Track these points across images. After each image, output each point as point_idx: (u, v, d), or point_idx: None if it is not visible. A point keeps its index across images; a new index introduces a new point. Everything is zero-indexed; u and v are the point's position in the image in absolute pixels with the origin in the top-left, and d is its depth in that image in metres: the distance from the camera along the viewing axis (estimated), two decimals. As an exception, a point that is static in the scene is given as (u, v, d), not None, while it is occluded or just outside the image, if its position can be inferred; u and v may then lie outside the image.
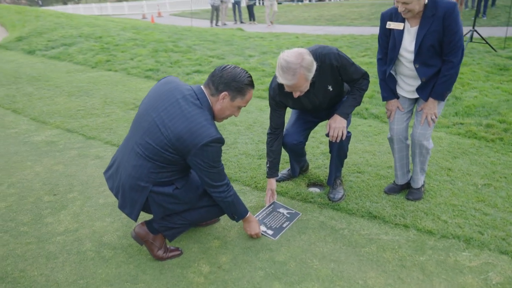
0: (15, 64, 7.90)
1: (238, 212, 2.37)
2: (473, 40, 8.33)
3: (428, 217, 2.69)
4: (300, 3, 25.32)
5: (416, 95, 2.69)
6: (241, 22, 16.80)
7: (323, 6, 19.79)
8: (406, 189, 3.03)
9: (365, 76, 2.68)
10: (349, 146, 3.56)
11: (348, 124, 2.83)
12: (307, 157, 3.59)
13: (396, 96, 2.78)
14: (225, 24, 16.45)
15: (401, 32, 2.57)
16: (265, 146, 3.82)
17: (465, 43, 8.05)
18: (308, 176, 3.30)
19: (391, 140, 2.91)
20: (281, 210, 2.82)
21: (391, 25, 2.60)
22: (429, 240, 2.48)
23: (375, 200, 2.91)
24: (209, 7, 16.73)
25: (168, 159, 2.10)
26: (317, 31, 12.62)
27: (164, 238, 2.37)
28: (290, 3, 25.34)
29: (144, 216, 2.54)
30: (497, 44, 8.46)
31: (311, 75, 2.37)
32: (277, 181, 3.20)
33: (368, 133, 4.17)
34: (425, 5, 2.43)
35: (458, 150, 3.73)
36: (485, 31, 10.22)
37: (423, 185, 2.97)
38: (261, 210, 2.80)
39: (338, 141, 2.72)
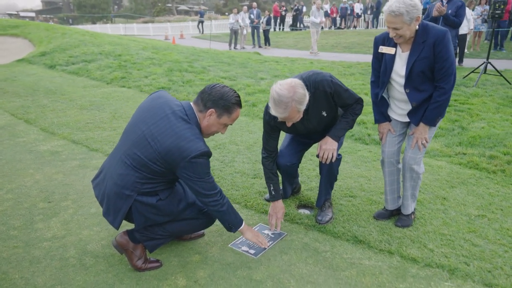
0: (35, 77, 8.21)
1: (234, 222, 2.37)
2: (487, 72, 8.26)
3: (415, 244, 2.64)
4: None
5: (408, 119, 2.69)
6: (259, 47, 17.10)
7: (342, 33, 19.99)
8: (396, 215, 2.98)
9: (359, 101, 2.70)
10: (346, 171, 3.56)
11: (339, 146, 2.84)
12: (301, 178, 3.59)
13: (388, 119, 2.79)
14: (243, 48, 16.77)
15: (392, 57, 2.60)
16: (261, 166, 3.85)
17: (478, 75, 7.99)
18: (299, 198, 3.29)
19: (382, 162, 2.90)
20: (266, 231, 2.81)
21: (383, 49, 2.63)
22: (412, 268, 2.42)
23: (362, 225, 2.87)
24: (229, 31, 17.11)
25: (155, 171, 2.15)
26: (333, 57, 12.73)
27: (144, 248, 2.40)
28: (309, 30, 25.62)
29: (126, 225, 2.58)
30: (512, 77, 8.37)
31: (302, 107, 2.40)
32: (267, 200, 3.20)
33: (367, 159, 4.15)
34: (416, 32, 2.47)
35: (457, 180, 3.67)
36: (502, 64, 10.14)
37: (413, 212, 2.93)
38: None
39: (328, 162, 2.73)
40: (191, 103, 2.26)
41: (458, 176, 3.75)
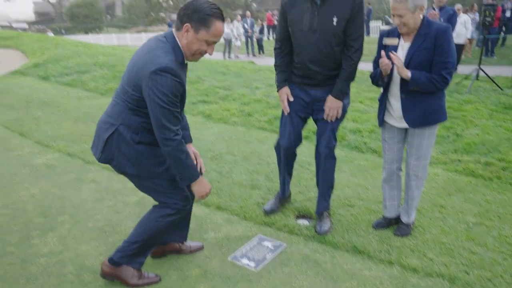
0: (29, 89, 8.16)
1: (187, 172, 2.16)
2: (479, 79, 8.36)
3: (414, 254, 2.64)
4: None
5: (405, 124, 2.68)
6: (253, 55, 17.17)
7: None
8: (395, 225, 2.99)
9: (361, 45, 2.66)
10: (343, 180, 3.56)
11: (346, 106, 2.84)
12: (299, 188, 3.60)
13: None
14: (237, 57, 16.83)
15: (395, 48, 2.62)
16: (259, 177, 3.86)
17: (470, 81, 8.07)
18: (297, 208, 3.29)
19: (383, 168, 2.91)
20: (265, 243, 2.80)
21: (386, 41, 2.66)
22: (412, 277, 2.42)
23: (362, 235, 2.87)
24: (222, 41, 17.17)
25: (134, 98, 2.09)
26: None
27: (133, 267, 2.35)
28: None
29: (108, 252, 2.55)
30: (504, 83, 8.46)
31: None
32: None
33: (364, 167, 4.16)
34: (421, 24, 2.51)
35: (453, 187, 3.69)
36: (493, 70, 10.25)
37: (412, 221, 2.93)
38: (246, 244, 2.78)
39: (333, 120, 2.76)
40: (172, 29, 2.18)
41: (455, 184, 3.77)
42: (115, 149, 2.16)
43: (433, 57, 2.49)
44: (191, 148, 2.47)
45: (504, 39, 14.63)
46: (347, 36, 2.62)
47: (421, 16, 2.51)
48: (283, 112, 2.96)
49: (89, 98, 7.47)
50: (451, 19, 5.94)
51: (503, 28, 14.88)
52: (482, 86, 8.16)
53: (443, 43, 2.46)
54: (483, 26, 8.07)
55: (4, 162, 4.31)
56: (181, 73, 2.05)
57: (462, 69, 10.60)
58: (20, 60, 12.43)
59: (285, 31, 2.80)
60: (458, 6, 10.39)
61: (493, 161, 4.23)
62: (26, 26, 55.55)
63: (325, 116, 2.77)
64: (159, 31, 36.30)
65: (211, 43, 2.08)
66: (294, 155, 3.07)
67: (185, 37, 2.05)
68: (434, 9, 6.12)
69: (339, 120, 2.84)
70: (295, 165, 3.20)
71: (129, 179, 2.30)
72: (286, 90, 2.89)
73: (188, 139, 2.49)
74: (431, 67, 2.51)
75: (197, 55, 2.12)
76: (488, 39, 13.09)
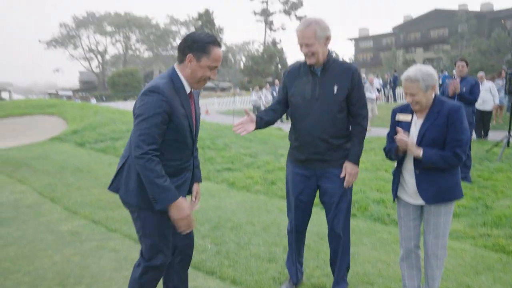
0: (65, 155, 8.62)
1: (159, 193, 2.11)
2: (510, 145, 8.14)
3: None
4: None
5: (420, 201, 2.64)
6: (281, 122, 17.56)
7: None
8: (416, 306, 2.83)
9: (367, 112, 2.82)
10: (363, 254, 3.50)
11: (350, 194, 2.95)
12: (316, 262, 3.51)
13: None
14: (265, 123, 17.25)
15: (408, 124, 2.67)
16: (277, 249, 3.83)
17: (501, 148, 7.88)
18: (314, 284, 3.19)
19: (400, 246, 2.84)
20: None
21: (400, 117, 2.72)
22: None
23: (381, 316, 2.73)
24: (251, 107, 17.78)
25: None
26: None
27: None
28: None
29: None
30: (538, 151, 8.20)
31: (322, 34, 2.63)
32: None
33: (387, 241, 4.03)
34: (433, 102, 2.58)
35: (482, 265, 3.50)
36: (526, 137, 9.98)
37: (434, 303, 2.78)
38: None
39: (350, 185, 2.83)
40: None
41: (483, 261, 3.57)
42: (124, 178, 2.29)
43: (446, 135, 2.51)
44: (196, 187, 2.61)
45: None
46: (352, 105, 2.77)
47: (433, 95, 2.59)
48: (287, 193, 3.06)
49: (119, 164, 7.78)
50: (473, 89, 5.96)
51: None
52: (514, 154, 7.94)
53: (455, 121, 2.50)
54: (509, 94, 8.02)
55: (33, 228, 4.48)
56: (173, 96, 2.19)
57: (493, 135, 10.41)
58: (61, 126, 13.24)
59: (283, 97, 2.96)
60: (480, 74, 10.46)
61: (526, 236, 4.01)
62: (71, 93, 59.66)
63: (346, 183, 2.82)
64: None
65: (213, 68, 2.26)
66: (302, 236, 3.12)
67: (189, 67, 2.24)
68: (454, 77, 6.18)
69: (350, 201, 2.90)
70: (314, 237, 3.17)
71: (131, 215, 2.38)
72: (252, 117, 2.84)
73: (197, 179, 2.61)
74: (444, 144, 2.52)
75: (202, 81, 2.29)
76: (519, 105, 12.91)
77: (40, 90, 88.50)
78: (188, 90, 2.30)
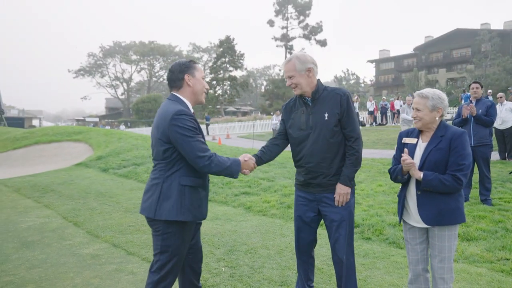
0: (89, 180, 8.93)
1: (232, 170, 2.62)
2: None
3: None
4: (361, 126, 26.23)
5: (423, 223, 2.68)
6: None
7: (383, 130, 20.30)
8: (427, 331, 2.81)
9: (359, 134, 2.92)
10: (376, 278, 3.53)
11: (353, 191, 2.99)
12: (324, 281, 3.52)
13: None
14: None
15: (414, 146, 2.76)
16: (290, 272, 3.86)
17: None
18: (325, 308, 3.21)
19: (409, 269, 2.86)
20: None
21: (406, 140, 2.83)
22: None
23: None
24: (271, 131, 17.94)
25: (163, 151, 2.54)
26: (373, 154, 12.83)
27: None
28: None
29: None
30: None
31: (302, 67, 2.85)
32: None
33: (401, 265, 4.01)
34: (438, 127, 2.68)
35: (498, 290, 3.44)
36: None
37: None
38: None
39: (343, 205, 2.90)
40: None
41: (500, 286, 3.51)
42: (159, 200, 2.55)
43: (448, 158, 2.57)
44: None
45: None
46: (344, 129, 2.91)
47: (438, 119, 2.66)
48: (295, 216, 3.15)
49: (140, 189, 7.98)
50: (490, 111, 5.92)
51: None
52: (538, 175, 7.74)
53: (457, 146, 2.56)
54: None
55: (56, 252, 4.66)
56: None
57: (517, 157, 10.16)
58: (87, 152, 13.71)
59: (283, 130, 3.14)
60: (500, 94, 10.33)
61: (546, 260, 3.91)
62: (97, 120, 61.53)
63: (336, 203, 2.91)
64: (214, 122, 38.57)
65: (204, 79, 2.74)
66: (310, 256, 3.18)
67: (190, 85, 2.66)
68: (471, 101, 6.16)
69: (351, 226, 2.96)
70: (328, 261, 3.20)
71: (153, 233, 2.63)
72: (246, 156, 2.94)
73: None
74: (446, 168, 2.57)
75: (203, 94, 2.74)
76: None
77: (68, 117, 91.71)
78: (191, 110, 2.67)
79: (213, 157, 2.52)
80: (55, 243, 4.98)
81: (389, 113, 24.76)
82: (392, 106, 24.42)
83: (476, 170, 6.35)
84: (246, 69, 63.98)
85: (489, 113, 5.96)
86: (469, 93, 6.79)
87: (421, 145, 2.73)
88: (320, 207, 2.97)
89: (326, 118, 2.88)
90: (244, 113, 58.38)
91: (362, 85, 68.53)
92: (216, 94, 52.37)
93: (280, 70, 61.58)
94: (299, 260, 3.14)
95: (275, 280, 3.75)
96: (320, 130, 2.88)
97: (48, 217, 6.17)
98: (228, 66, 52.48)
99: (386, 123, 23.98)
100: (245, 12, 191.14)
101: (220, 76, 52.44)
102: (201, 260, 2.92)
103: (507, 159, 10.12)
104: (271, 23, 60.88)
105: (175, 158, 2.54)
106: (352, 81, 66.90)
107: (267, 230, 5.25)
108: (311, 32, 60.73)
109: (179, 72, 2.64)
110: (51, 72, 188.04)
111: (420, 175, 2.56)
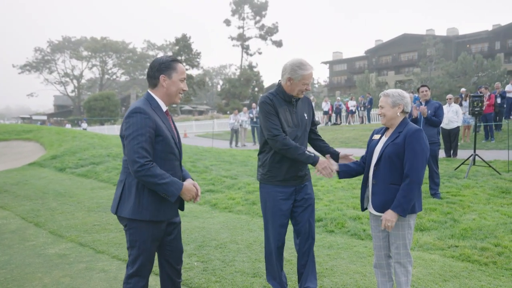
0: (45, 180, 8.62)
1: (167, 189, 2.45)
2: (476, 164, 8.65)
3: None
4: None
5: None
6: (254, 143, 17.89)
7: (338, 129, 21.00)
8: (390, 312, 3.08)
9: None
10: (341, 267, 3.78)
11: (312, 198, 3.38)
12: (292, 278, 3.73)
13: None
14: (244, 145, 17.53)
15: (376, 141, 3.05)
16: (261, 264, 4.01)
17: (468, 166, 8.37)
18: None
19: (374, 255, 3.11)
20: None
21: (374, 136, 3.13)
22: None
23: (358, 322, 2.97)
24: (229, 130, 18.04)
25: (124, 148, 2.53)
26: (330, 152, 13.32)
27: None
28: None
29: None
30: (502, 167, 8.74)
31: (284, 77, 3.16)
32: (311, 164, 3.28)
33: (363, 254, 4.30)
34: (399, 124, 2.95)
35: (450, 273, 3.80)
36: (491, 154, 10.61)
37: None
38: None
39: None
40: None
41: (451, 270, 3.87)
42: (125, 198, 2.56)
43: (404, 153, 2.83)
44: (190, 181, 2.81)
45: (498, 125, 15.13)
46: (313, 126, 3.48)
47: (400, 115, 2.93)
48: (266, 214, 3.31)
49: (101, 189, 7.85)
50: (438, 111, 6.43)
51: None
52: (480, 171, 8.44)
53: (411, 141, 2.82)
54: (473, 115, 8.58)
55: (19, 253, 4.54)
56: (153, 113, 2.51)
57: (461, 154, 10.98)
58: (39, 152, 13.14)
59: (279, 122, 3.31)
60: (449, 96, 11.10)
61: (489, 246, 4.35)
62: (45, 118, 58.63)
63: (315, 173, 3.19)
64: (171, 121, 37.96)
65: (183, 80, 2.65)
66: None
67: (165, 85, 2.59)
68: (421, 103, 6.65)
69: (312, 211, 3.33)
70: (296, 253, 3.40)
71: (125, 231, 2.64)
72: (323, 158, 3.24)
73: (187, 176, 2.85)
74: (398, 161, 2.84)
75: (177, 95, 2.65)
76: (487, 125, 13.67)
77: (12, 115, 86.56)
78: (164, 108, 2.65)
79: (148, 166, 2.40)
80: (16, 244, 4.83)
81: (343, 113, 25.62)
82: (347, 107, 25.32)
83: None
84: (202, 67, 63.54)
85: (437, 114, 6.46)
86: (417, 95, 7.28)
87: (383, 140, 3.00)
88: (297, 197, 3.25)
89: (306, 117, 3.29)
90: (201, 112, 57.98)
91: (316, 85, 70.27)
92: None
93: (236, 69, 61.64)
94: (278, 256, 3.32)
95: (247, 272, 3.90)
96: (303, 128, 3.26)
97: (6, 218, 5.94)
98: (184, 64, 51.80)
99: (341, 122, 24.80)
100: (202, 10, 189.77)
101: (176, 74, 51.52)
102: (180, 258, 2.87)
103: (452, 156, 10.90)
104: (227, 22, 60.84)
105: None
106: (307, 82, 68.13)
107: (235, 225, 5.39)
108: (267, 33, 61.31)
109: (156, 71, 2.59)
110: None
111: (394, 214, 2.79)
